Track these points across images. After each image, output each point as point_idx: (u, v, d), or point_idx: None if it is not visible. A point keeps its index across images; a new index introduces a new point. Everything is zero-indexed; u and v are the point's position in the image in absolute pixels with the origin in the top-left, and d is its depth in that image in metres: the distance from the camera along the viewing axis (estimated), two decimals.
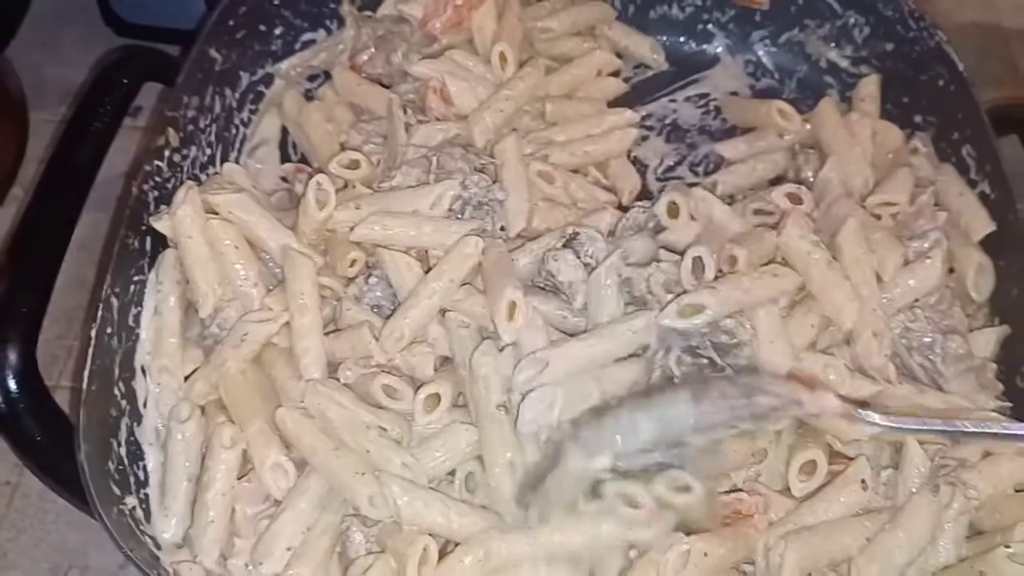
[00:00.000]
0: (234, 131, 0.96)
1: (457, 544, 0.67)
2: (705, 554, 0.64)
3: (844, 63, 1.00)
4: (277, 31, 0.99)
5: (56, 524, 0.85)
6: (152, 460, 0.75)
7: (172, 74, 0.90)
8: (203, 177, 0.91)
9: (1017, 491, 0.71)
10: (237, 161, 0.95)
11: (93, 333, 0.73)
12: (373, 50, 0.95)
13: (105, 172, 0.94)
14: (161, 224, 0.80)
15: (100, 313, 0.74)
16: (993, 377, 0.78)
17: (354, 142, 0.89)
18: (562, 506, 0.65)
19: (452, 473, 0.72)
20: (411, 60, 0.93)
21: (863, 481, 0.70)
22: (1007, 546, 0.66)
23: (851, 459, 0.72)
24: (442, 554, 0.67)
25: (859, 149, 0.90)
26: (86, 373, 0.71)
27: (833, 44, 1.00)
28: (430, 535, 0.67)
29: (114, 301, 0.76)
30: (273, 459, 0.71)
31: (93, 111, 0.87)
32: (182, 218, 0.78)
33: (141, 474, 0.75)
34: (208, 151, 0.92)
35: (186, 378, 0.78)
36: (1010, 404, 0.77)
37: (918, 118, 0.94)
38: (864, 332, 0.75)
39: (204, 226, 0.79)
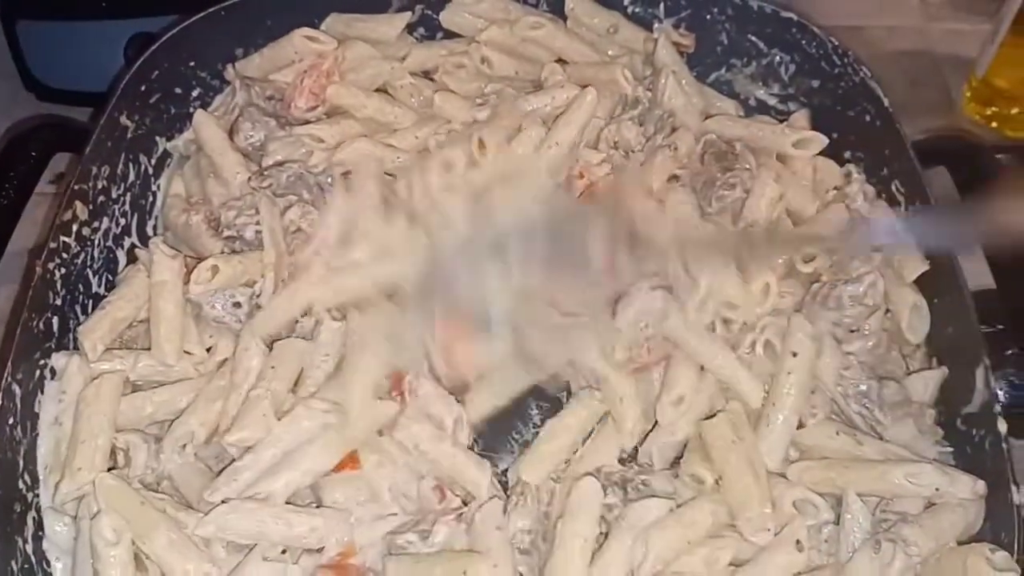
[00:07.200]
0: (150, 198, 0.93)
1: None
2: None
3: (772, 101, 0.99)
4: (194, 93, 0.97)
5: None
6: (60, 563, 0.71)
7: (83, 142, 0.87)
8: (117, 250, 0.88)
9: (960, 543, 0.69)
10: (154, 230, 0.92)
11: None
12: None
13: (23, 243, 0.92)
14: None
15: (1, 403, 0.70)
16: (933, 423, 0.77)
17: (227, 218, 0.85)
18: None
19: None
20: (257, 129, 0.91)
21: (798, 542, 0.67)
22: None
23: None
24: None
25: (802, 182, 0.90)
26: None
27: (760, 82, 0.99)
28: None
29: (16, 389, 0.73)
30: (196, 569, 0.67)
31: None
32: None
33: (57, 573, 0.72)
34: (122, 221, 0.89)
35: None
36: (951, 450, 0.76)
37: (848, 154, 0.93)
38: None
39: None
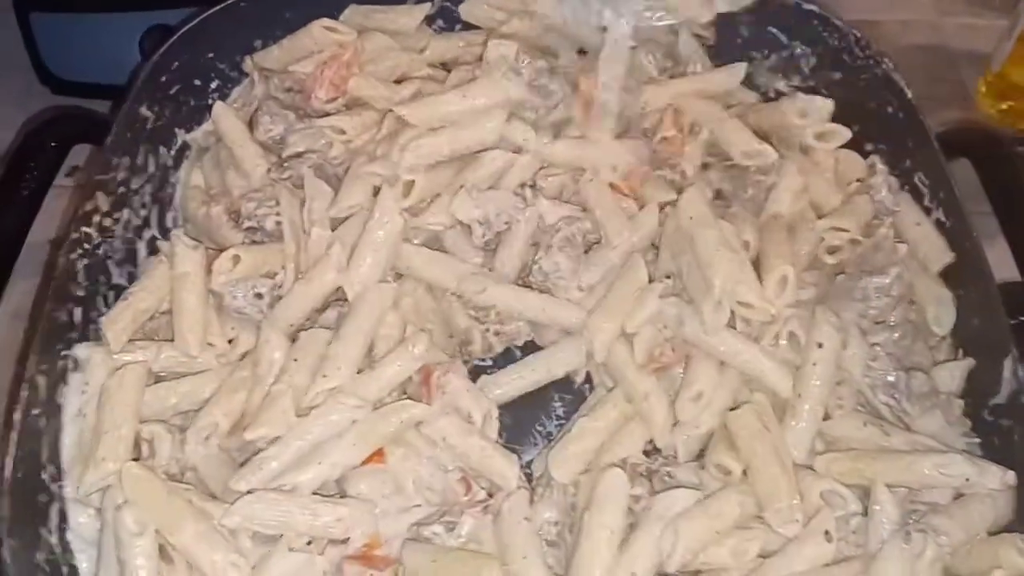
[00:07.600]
0: (170, 190, 0.92)
1: None
2: None
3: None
4: (213, 84, 0.96)
5: None
6: (85, 554, 0.71)
7: (102, 134, 0.86)
8: (138, 242, 0.87)
9: (990, 534, 0.69)
10: (174, 221, 0.92)
11: (17, 416, 0.69)
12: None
13: (41, 236, 0.92)
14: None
15: (26, 394, 0.70)
16: (960, 414, 0.76)
17: (247, 209, 0.85)
18: None
19: None
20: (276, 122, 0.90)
21: (827, 532, 0.67)
22: None
23: None
24: None
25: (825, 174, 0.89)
26: (9, 460, 0.67)
27: (781, 75, 0.99)
28: None
29: (40, 380, 0.72)
30: (223, 559, 0.67)
31: (18, 177, 0.83)
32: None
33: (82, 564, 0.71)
34: (143, 212, 0.89)
35: None
36: (978, 440, 0.75)
37: (869, 146, 0.93)
38: None
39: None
